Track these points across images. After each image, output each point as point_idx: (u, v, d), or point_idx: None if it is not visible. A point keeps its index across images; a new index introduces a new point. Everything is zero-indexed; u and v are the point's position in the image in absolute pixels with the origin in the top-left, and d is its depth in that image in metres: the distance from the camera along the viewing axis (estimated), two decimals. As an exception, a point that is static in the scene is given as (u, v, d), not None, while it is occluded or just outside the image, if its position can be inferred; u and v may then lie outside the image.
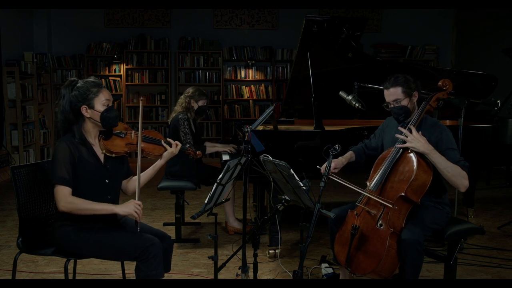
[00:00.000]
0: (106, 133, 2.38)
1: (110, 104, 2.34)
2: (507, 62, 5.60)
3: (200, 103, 4.05)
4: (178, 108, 4.06)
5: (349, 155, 2.92)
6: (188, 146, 2.57)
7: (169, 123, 4.10)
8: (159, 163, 2.48)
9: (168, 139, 2.50)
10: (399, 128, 2.62)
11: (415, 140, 2.47)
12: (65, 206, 2.20)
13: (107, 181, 2.37)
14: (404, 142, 2.52)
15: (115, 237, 2.29)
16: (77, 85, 2.31)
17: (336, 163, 2.77)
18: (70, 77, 7.73)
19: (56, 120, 7.65)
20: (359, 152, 2.95)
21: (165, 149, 2.47)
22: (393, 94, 2.65)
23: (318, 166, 2.63)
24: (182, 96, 4.10)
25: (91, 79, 2.37)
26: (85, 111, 2.30)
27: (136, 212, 2.22)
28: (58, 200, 2.21)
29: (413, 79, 2.69)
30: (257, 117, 5.40)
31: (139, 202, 2.25)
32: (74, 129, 2.31)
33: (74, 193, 2.25)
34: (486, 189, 5.88)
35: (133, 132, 2.45)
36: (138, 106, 7.60)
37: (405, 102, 2.64)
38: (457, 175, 2.42)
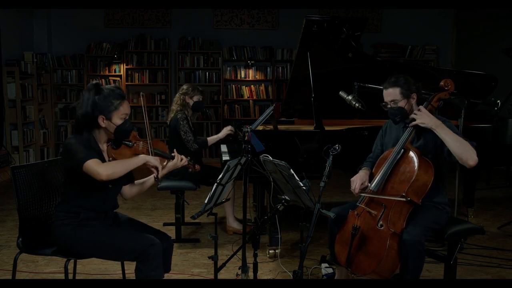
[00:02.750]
0: (115, 141, 2.37)
1: (127, 117, 2.33)
2: (507, 62, 5.59)
3: (195, 98, 4.07)
4: (174, 107, 4.10)
5: (368, 169, 2.81)
6: (188, 159, 2.56)
7: (168, 123, 4.13)
8: (163, 172, 2.43)
9: (174, 153, 2.47)
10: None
11: (424, 115, 2.51)
12: (105, 171, 2.13)
13: (110, 186, 2.35)
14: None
15: (115, 237, 2.29)
16: (102, 92, 2.26)
17: (362, 178, 2.68)
18: (70, 77, 7.73)
19: (56, 120, 7.66)
20: (372, 166, 2.84)
21: (169, 161, 2.45)
22: (391, 94, 2.64)
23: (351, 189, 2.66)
24: (177, 95, 4.14)
25: (116, 89, 2.31)
26: (101, 121, 2.27)
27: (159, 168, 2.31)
28: (95, 171, 2.13)
29: (414, 80, 2.68)
30: (257, 117, 5.41)
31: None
32: (85, 132, 2.27)
33: (79, 193, 2.24)
34: (486, 189, 5.87)
35: (141, 142, 2.45)
36: (138, 106, 7.68)
37: (402, 104, 2.63)
38: (466, 147, 2.42)
